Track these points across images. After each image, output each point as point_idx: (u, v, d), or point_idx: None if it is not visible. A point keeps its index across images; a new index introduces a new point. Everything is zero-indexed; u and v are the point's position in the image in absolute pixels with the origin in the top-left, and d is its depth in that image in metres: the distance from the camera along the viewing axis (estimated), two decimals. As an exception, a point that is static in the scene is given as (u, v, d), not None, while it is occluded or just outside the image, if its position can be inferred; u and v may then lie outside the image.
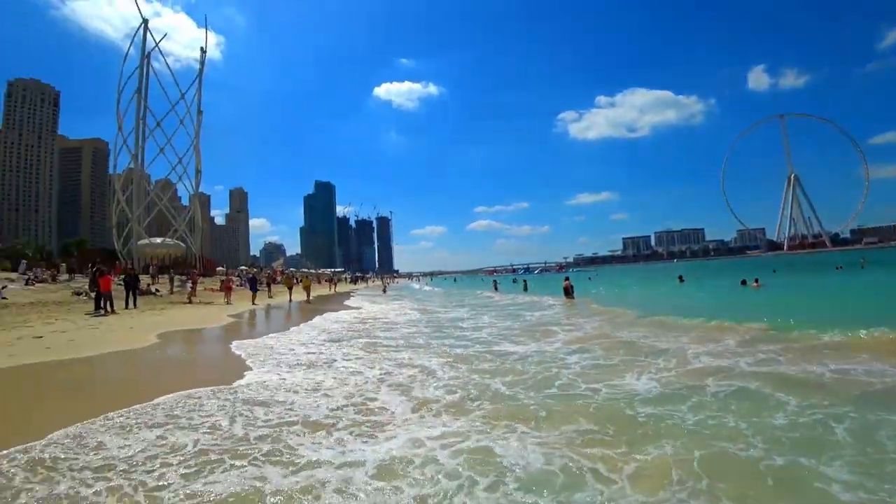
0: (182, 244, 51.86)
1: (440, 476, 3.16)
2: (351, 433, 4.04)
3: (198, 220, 59.03)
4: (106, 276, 16.17)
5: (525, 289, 33.79)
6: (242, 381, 6.08)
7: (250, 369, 6.93)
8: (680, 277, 34.62)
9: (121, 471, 3.27)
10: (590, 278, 43.49)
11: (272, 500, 2.87)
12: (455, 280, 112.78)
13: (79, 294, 21.14)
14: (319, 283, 53.58)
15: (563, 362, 6.99)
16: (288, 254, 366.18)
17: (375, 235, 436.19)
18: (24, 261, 34.09)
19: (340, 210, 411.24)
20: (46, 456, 3.49)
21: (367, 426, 4.24)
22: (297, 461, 3.44)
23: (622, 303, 19.10)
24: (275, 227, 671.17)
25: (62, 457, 3.48)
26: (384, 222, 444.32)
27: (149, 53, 54.86)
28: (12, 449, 3.59)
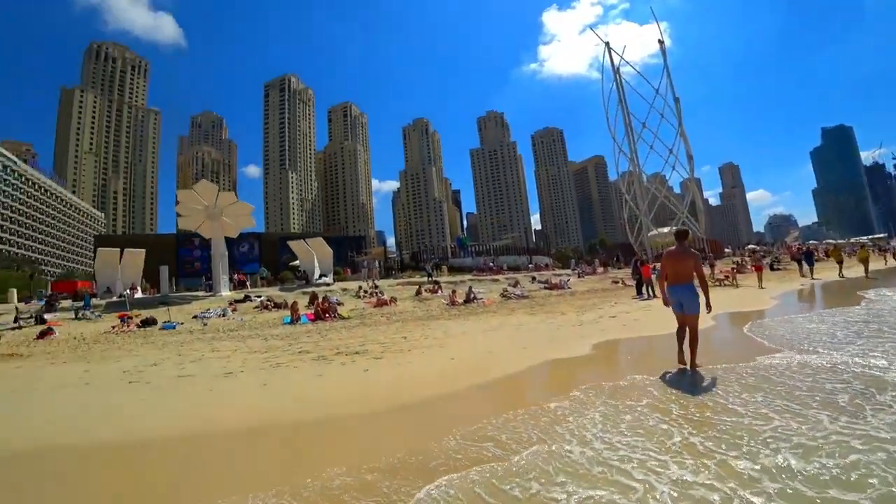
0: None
1: None
2: None
3: (699, 204, 58.87)
4: (646, 265, 18.40)
5: None
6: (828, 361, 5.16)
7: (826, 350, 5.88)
8: None
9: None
10: None
11: None
12: None
13: (615, 282, 26.59)
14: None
15: None
16: (800, 224, 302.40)
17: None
18: (572, 259, 45.46)
19: (866, 156, 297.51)
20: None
21: None
22: None
23: None
24: (777, 197, 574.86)
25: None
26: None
27: (618, 68, 60.86)
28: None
